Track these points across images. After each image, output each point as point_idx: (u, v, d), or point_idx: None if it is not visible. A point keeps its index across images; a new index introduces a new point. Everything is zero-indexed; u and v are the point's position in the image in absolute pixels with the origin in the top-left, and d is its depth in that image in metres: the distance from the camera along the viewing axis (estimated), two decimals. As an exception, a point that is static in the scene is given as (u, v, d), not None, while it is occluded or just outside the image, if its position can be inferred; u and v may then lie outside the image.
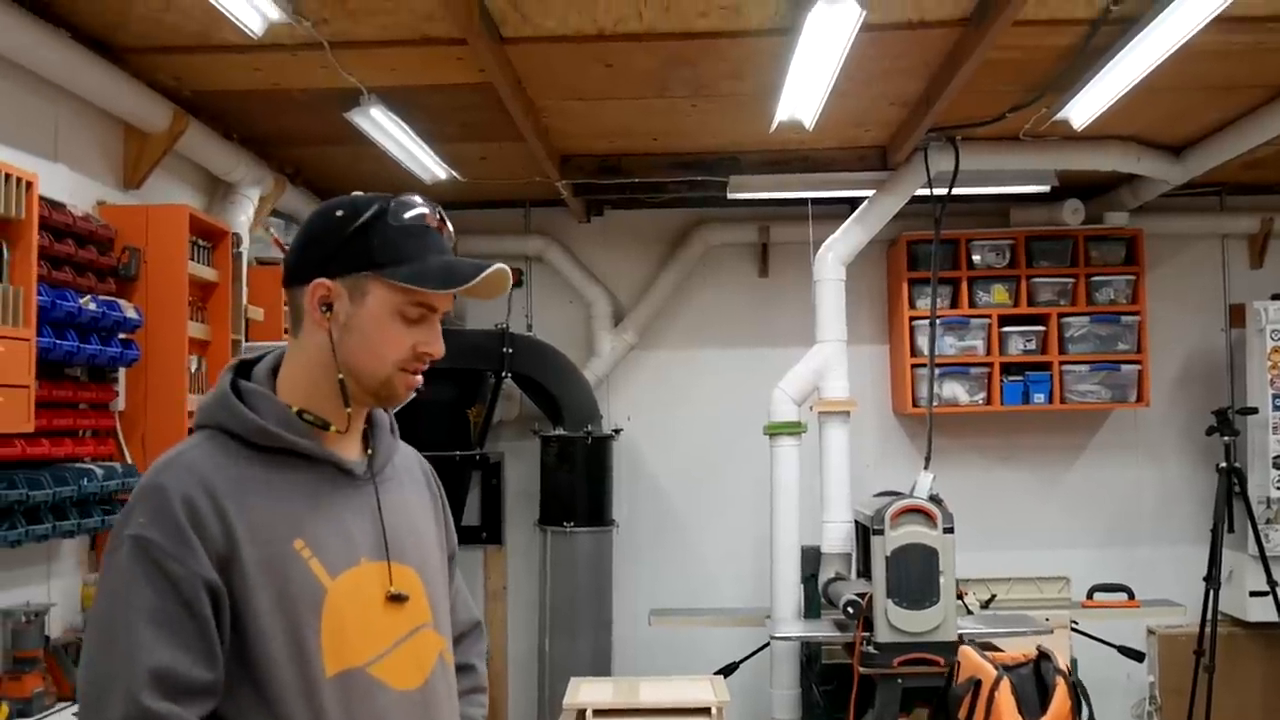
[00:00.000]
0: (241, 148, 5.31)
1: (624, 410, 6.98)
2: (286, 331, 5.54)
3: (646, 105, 5.07)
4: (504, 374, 6.36)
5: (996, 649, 5.12)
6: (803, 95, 4.58)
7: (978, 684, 2.43)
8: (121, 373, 4.18)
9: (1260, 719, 6.51)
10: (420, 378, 1.84)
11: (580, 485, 6.33)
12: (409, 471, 2.01)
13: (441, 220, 1.84)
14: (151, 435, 4.21)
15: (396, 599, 1.82)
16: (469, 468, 6.59)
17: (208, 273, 4.50)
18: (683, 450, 7.01)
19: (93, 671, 1.62)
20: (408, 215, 1.79)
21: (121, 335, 4.05)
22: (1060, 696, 2.37)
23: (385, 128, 5.03)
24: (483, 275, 1.78)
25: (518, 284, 7.03)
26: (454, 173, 5.94)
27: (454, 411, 6.46)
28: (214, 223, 4.55)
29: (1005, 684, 2.38)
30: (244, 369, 1.87)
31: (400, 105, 4.87)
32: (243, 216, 5.18)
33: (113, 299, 4.00)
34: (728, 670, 5.80)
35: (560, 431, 6.34)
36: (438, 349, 1.82)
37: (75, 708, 1.67)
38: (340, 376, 1.80)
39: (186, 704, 1.60)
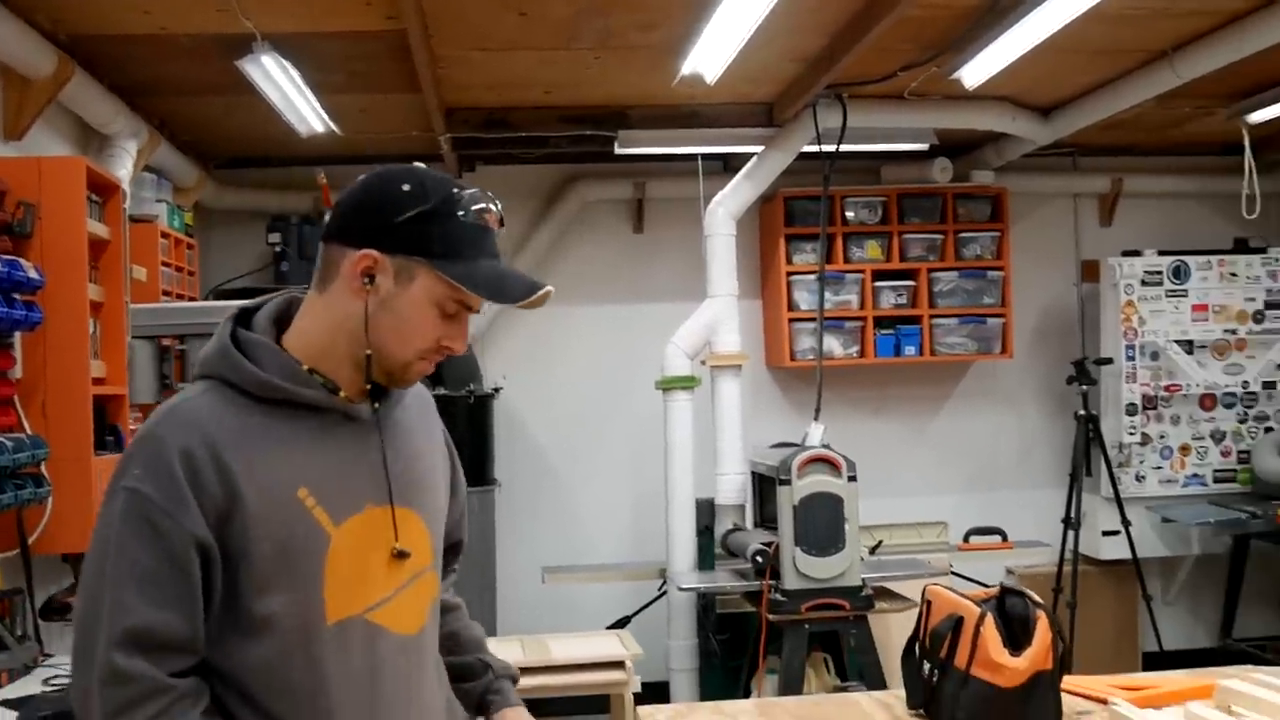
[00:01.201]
0: (119, 98, 5.05)
1: (499, 369, 6.91)
2: (165, 293, 5.34)
3: (549, 56, 5.01)
4: (383, 333, 6.22)
5: (895, 594, 5.29)
6: (713, 49, 4.59)
7: (959, 620, 2.49)
8: (17, 338, 3.94)
9: (1111, 651, 6.85)
10: (432, 365, 1.83)
11: (465, 445, 6.24)
12: (420, 413, 1.99)
13: (500, 220, 1.82)
14: (52, 404, 3.96)
15: (401, 555, 1.81)
16: (346, 429, 6.44)
17: (100, 229, 4.27)
18: (559, 408, 7.00)
19: (80, 624, 1.64)
20: (474, 208, 1.76)
21: (20, 297, 3.81)
22: (1043, 628, 2.45)
23: (274, 77, 4.84)
24: (533, 297, 1.78)
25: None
26: (333, 125, 5.76)
27: (331, 372, 6.29)
28: (107, 176, 4.32)
29: (990, 619, 2.45)
30: (244, 317, 1.83)
31: (291, 53, 4.70)
32: (122, 170, 4.93)
33: (13, 258, 3.77)
34: (621, 624, 5.85)
35: (441, 391, 6.24)
36: (460, 346, 1.81)
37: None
38: (368, 352, 1.76)
39: (160, 660, 1.62)
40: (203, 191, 6.36)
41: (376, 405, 1.83)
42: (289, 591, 1.69)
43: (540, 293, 1.78)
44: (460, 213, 1.74)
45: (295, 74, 4.87)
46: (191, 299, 5.78)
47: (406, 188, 1.74)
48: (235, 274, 6.56)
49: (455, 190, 1.76)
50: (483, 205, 1.78)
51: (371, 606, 1.76)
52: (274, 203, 6.68)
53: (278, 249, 6.39)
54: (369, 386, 1.80)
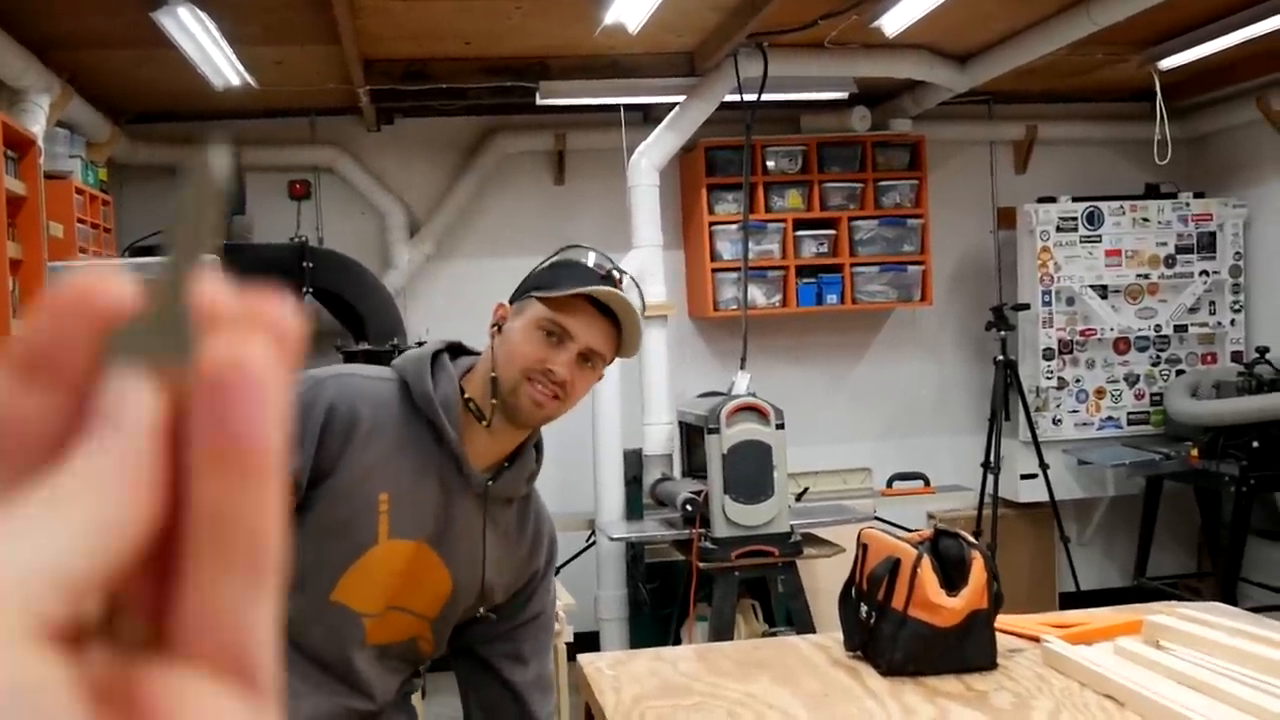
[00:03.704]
0: (29, 51, 4.91)
1: (421, 323, 6.87)
2: (82, 250, 5.23)
3: (468, 6, 4.95)
4: (305, 289, 6.16)
5: (822, 540, 5.36)
6: (637, -2, 4.58)
7: (897, 563, 2.53)
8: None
9: (1030, 591, 7.00)
10: (549, 401, 2.00)
11: (388, 400, 6.21)
12: (527, 530, 2.18)
13: (618, 276, 2.06)
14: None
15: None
16: (268, 387, 6.36)
17: (16, 186, 4.18)
18: (483, 362, 6.96)
19: None
20: (578, 257, 2.06)
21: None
22: (978, 568, 2.50)
23: (190, 29, 4.74)
24: (589, 288, 1.97)
25: (305, 196, 6.83)
26: (249, 78, 5.66)
27: (251, 329, 6.20)
28: (22, 131, 4.22)
29: (926, 561, 2.49)
30: (455, 350, 2.16)
31: (207, 4, 4.60)
32: (35, 126, 4.80)
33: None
34: (551, 576, 5.86)
35: (365, 346, 6.19)
36: (560, 371, 1.99)
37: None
38: (494, 374, 2.01)
39: None
40: (116, 147, 6.22)
41: (491, 481, 2.06)
42: (320, 555, 1.97)
43: (601, 291, 1.97)
44: (573, 258, 2.05)
45: (211, 25, 4.77)
46: (108, 256, 5.67)
47: (546, 260, 2.10)
48: (152, 230, 6.43)
49: (581, 249, 2.08)
50: (601, 258, 2.07)
51: (368, 614, 2.03)
52: (189, 158, 6.53)
53: (194, 205, 6.25)
54: (494, 402, 2.02)
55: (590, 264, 2.04)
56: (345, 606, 2.01)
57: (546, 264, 2.09)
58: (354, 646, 2.04)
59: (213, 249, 0.36)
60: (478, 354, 2.15)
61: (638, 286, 2.15)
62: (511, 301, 2.07)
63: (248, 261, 6.05)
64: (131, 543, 0.32)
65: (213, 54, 5.12)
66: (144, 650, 0.33)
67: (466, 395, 2.05)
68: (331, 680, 2.06)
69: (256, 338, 0.34)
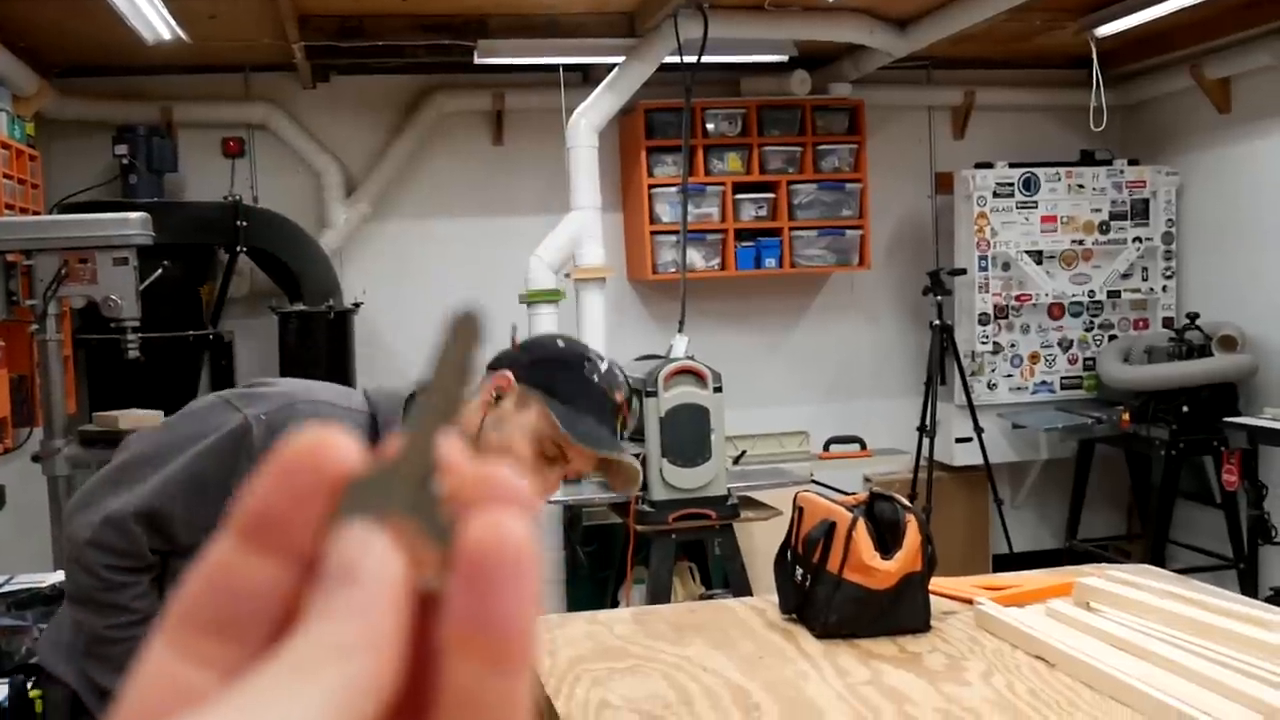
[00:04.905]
0: (-50, 0, 4.79)
1: (359, 284, 6.79)
2: (9, 206, 5.12)
3: (406, -37, 4.89)
4: (239, 248, 6.07)
5: (759, 503, 5.38)
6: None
7: (832, 526, 2.54)
8: None
9: (964, 554, 7.09)
10: None
11: (324, 363, 6.15)
12: None
13: (625, 403, 2.09)
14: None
15: None
16: (202, 349, 6.29)
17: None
18: (421, 323, 6.89)
19: (131, 463, 1.94)
20: (605, 374, 2.07)
21: None
22: (912, 531, 2.51)
23: (118, -20, 4.64)
24: (613, 454, 2.03)
25: (239, 153, 6.71)
26: (181, 32, 5.54)
27: (184, 289, 6.11)
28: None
29: (862, 524, 2.49)
30: None
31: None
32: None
33: None
34: (488, 539, 5.84)
35: (300, 307, 6.13)
36: (544, 487, 2.09)
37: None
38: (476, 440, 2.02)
39: (154, 537, 1.90)
40: (44, 101, 6.07)
41: None
42: None
43: (621, 457, 2.05)
44: (591, 374, 2.05)
45: (139, -24, 4.68)
46: (36, 213, 5.56)
47: (560, 343, 2.19)
48: (81, 187, 6.30)
49: (596, 358, 2.10)
50: (615, 379, 2.08)
51: None
52: (120, 113, 6.42)
53: (125, 161, 6.14)
54: None
55: (608, 393, 2.04)
56: None
57: (565, 363, 2.08)
58: None
59: (459, 415, 0.35)
60: None
61: (628, 384, 2.16)
62: (518, 378, 2.03)
63: (181, 219, 5.95)
64: (375, 713, 0.30)
65: (143, 6, 5.00)
66: None
67: None
68: None
69: (515, 514, 0.32)
